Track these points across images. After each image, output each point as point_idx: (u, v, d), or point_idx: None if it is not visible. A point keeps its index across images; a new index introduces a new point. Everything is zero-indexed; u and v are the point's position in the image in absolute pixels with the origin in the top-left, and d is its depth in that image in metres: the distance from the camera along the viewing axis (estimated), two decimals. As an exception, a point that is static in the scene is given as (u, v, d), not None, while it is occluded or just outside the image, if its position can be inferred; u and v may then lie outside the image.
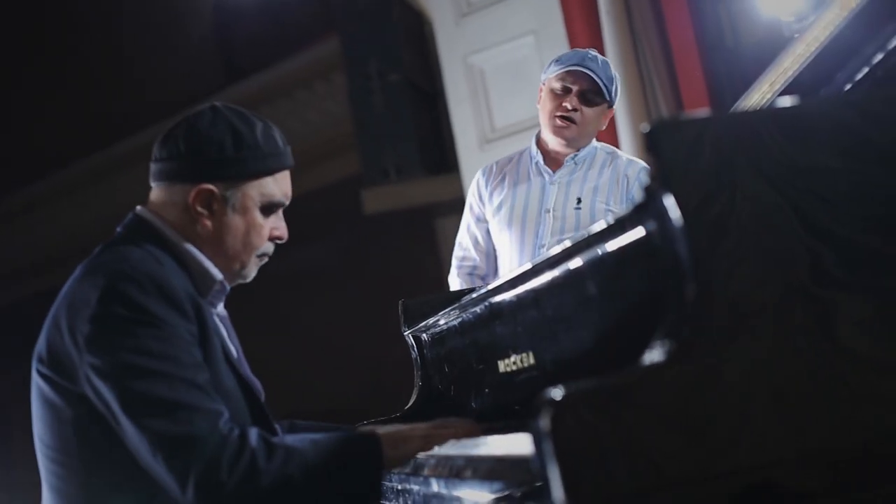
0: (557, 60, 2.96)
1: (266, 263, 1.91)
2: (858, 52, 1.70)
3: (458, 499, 1.62)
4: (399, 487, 1.93)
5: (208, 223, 1.78)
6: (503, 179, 3.06)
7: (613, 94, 2.95)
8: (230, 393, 1.74)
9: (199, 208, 1.77)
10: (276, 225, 1.85)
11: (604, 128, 3.03)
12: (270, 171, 1.80)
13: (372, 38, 5.54)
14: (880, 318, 1.24)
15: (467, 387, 2.24)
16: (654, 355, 1.19)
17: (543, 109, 2.98)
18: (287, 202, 1.86)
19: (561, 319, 1.75)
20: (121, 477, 1.66)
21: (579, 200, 2.93)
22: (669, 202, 1.24)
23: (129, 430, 1.60)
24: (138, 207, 1.84)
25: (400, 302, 2.54)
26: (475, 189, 3.13)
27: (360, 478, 1.71)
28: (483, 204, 3.09)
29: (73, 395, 1.66)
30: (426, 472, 1.69)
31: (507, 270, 2.94)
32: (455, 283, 3.13)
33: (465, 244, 3.14)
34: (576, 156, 2.98)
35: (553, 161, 3.01)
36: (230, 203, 1.78)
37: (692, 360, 1.18)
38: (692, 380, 1.17)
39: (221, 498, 1.58)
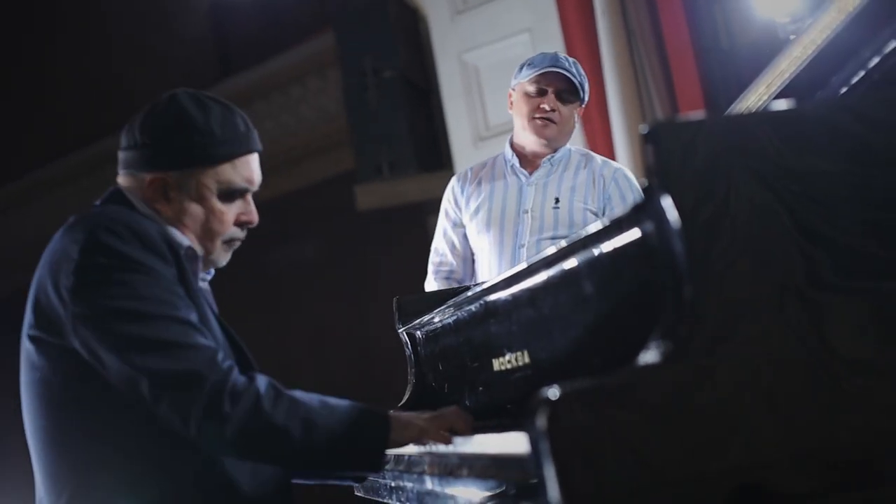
0: (530, 64, 3.00)
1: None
2: (855, 55, 1.70)
3: (452, 497, 1.62)
4: (392, 484, 1.93)
5: (167, 210, 1.78)
6: (479, 184, 3.07)
7: (585, 93, 3.00)
8: (220, 340, 1.74)
9: (155, 196, 1.77)
10: (244, 210, 1.82)
11: (574, 127, 3.06)
12: (227, 158, 1.77)
13: (367, 34, 5.52)
14: (874, 321, 1.25)
15: (461, 385, 2.24)
16: (649, 356, 1.20)
17: (519, 112, 3.01)
18: (252, 187, 1.83)
19: (556, 319, 1.75)
20: (111, 452, 1.65)
21: (557, 200, 2.94)
22: (667, 203, 1.24)
23: (125, 375, 1.59)
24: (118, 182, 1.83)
25: (394, 299, 2.53)
26: (450, 195, 3.13)
27: (364, 451, 1.69)
28: (459, 209, 3.09)
29: (62, 352, 1.64)
30: (421, 469, 1.70)
31: (486, 273, 2.95)
32: (432, 288, 3.12)
33: (441, 249, 3.13)
34: (552, 157, 3.00)
35: (529, 163, 3.04)
36: (184, 191, 1.77)
37: (687, 360, 1.19)
38: (687, 380, 1.18)
39: (225, 432, 1.58)
